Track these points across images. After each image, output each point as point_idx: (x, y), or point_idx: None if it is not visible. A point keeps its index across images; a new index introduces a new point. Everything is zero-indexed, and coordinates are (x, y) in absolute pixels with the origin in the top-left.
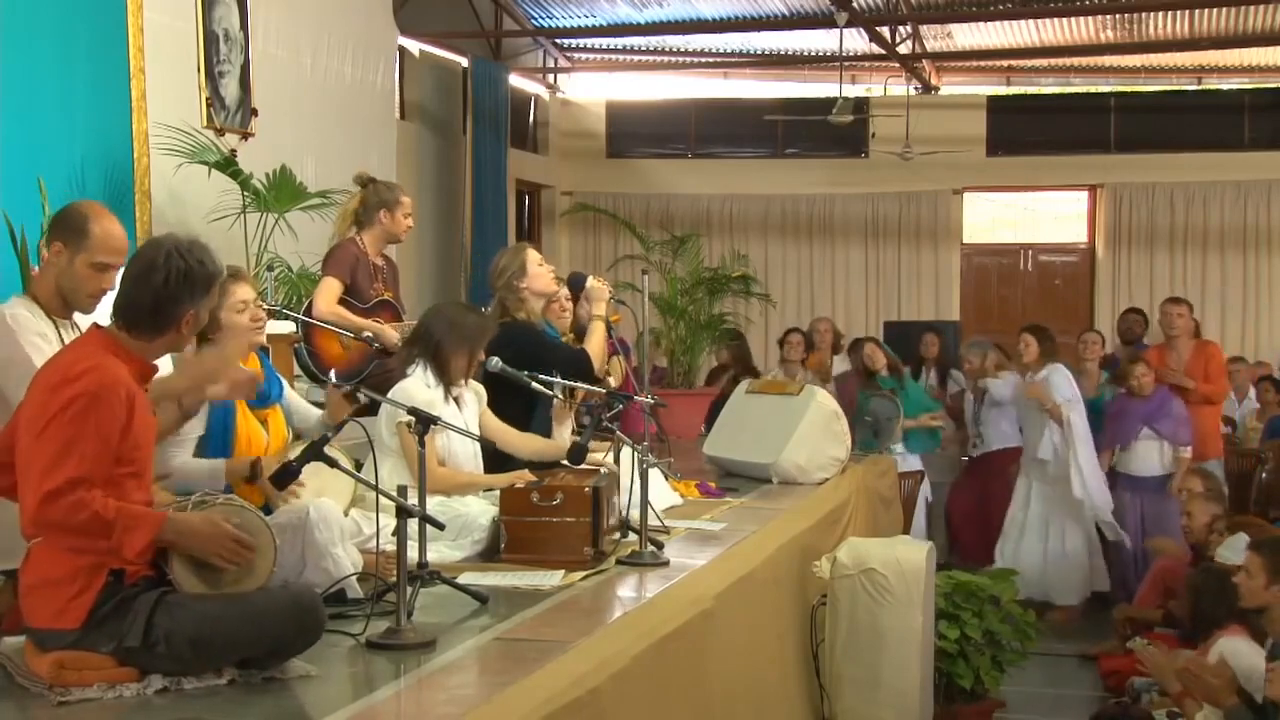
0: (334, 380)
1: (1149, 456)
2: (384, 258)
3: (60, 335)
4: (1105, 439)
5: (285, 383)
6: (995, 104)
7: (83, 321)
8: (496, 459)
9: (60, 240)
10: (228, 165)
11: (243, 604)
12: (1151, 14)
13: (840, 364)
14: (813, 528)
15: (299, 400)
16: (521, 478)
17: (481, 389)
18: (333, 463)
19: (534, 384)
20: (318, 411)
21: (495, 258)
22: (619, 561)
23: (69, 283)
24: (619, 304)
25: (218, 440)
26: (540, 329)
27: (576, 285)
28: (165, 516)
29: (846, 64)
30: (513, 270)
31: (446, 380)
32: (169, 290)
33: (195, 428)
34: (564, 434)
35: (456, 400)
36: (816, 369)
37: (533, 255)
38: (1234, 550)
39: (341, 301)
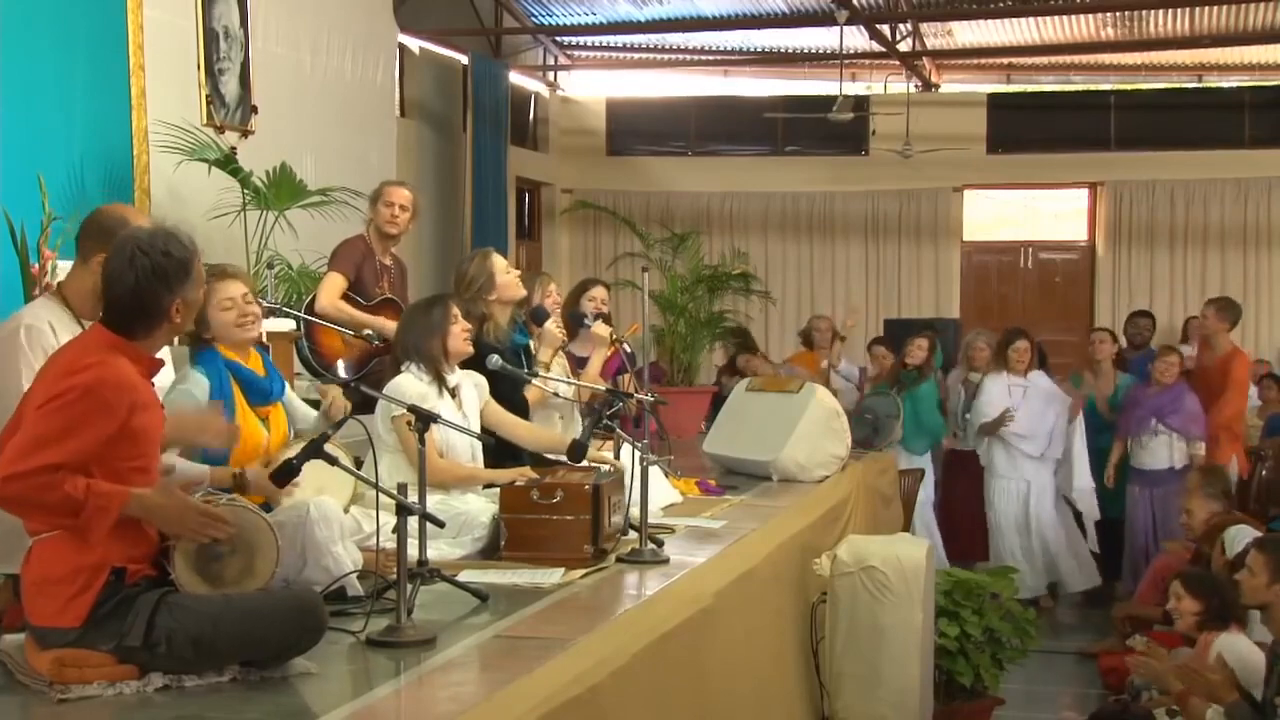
0: (339, 374)
1: (1159, 450)
2: (393, 257)
3: None
4: (1119, 429)
5: (286, 382)
6: (995, 101)
7: None
8: (499, 454)
9: (101, 246)
10: (227, 163)
11: (244, 605)
12: (1152, 12)
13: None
14: (813, 525)
15: (297, 401)
16: (523, 474)
17: (483, 381)
18: (333, 460)
19: (534, 382)
20: (314, 412)
21: (460, 265)
22: (619, 559)
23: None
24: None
25: None
26: (513, 352)
27: (538, 319)
28: (130, 493)
29: (847, 62)
30: (481, 282)
31: (437, 371)
32: (144, 288)
33: None
34: (568, 434)
35: (453, 392)
36: (811, 368)
37: (499, 263)
38: (1233, 546)
39: (345, 298)
